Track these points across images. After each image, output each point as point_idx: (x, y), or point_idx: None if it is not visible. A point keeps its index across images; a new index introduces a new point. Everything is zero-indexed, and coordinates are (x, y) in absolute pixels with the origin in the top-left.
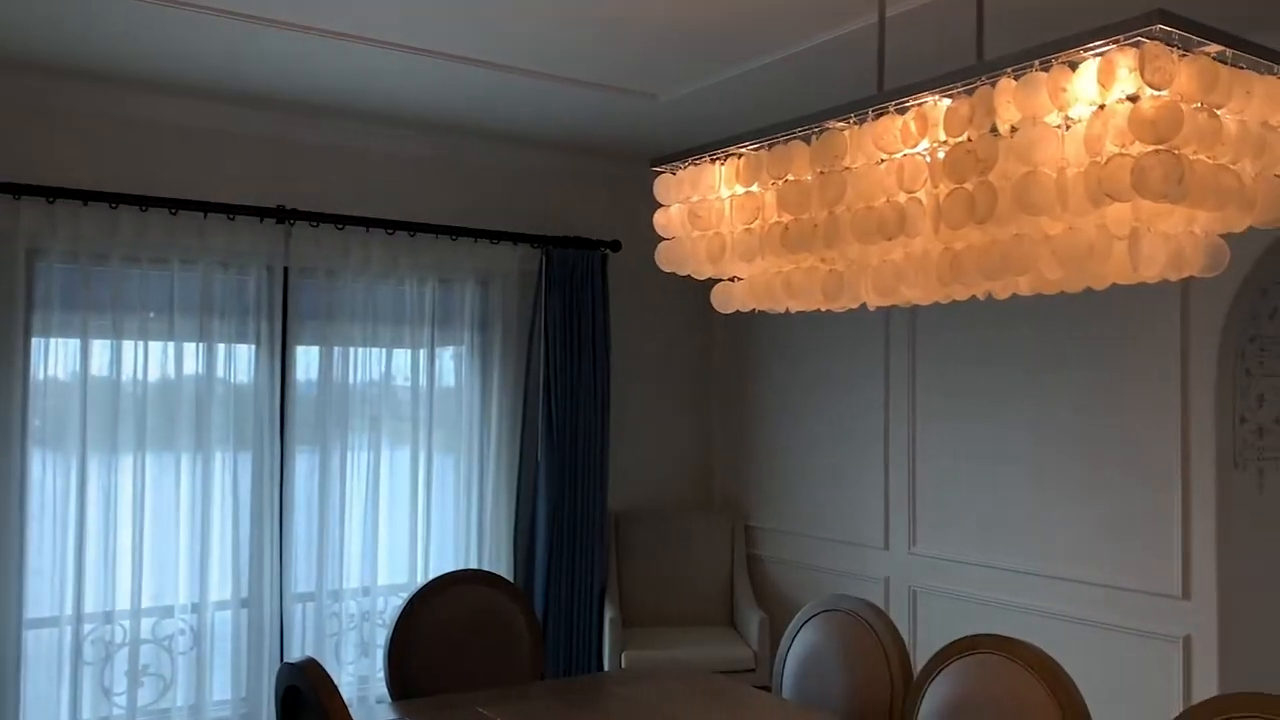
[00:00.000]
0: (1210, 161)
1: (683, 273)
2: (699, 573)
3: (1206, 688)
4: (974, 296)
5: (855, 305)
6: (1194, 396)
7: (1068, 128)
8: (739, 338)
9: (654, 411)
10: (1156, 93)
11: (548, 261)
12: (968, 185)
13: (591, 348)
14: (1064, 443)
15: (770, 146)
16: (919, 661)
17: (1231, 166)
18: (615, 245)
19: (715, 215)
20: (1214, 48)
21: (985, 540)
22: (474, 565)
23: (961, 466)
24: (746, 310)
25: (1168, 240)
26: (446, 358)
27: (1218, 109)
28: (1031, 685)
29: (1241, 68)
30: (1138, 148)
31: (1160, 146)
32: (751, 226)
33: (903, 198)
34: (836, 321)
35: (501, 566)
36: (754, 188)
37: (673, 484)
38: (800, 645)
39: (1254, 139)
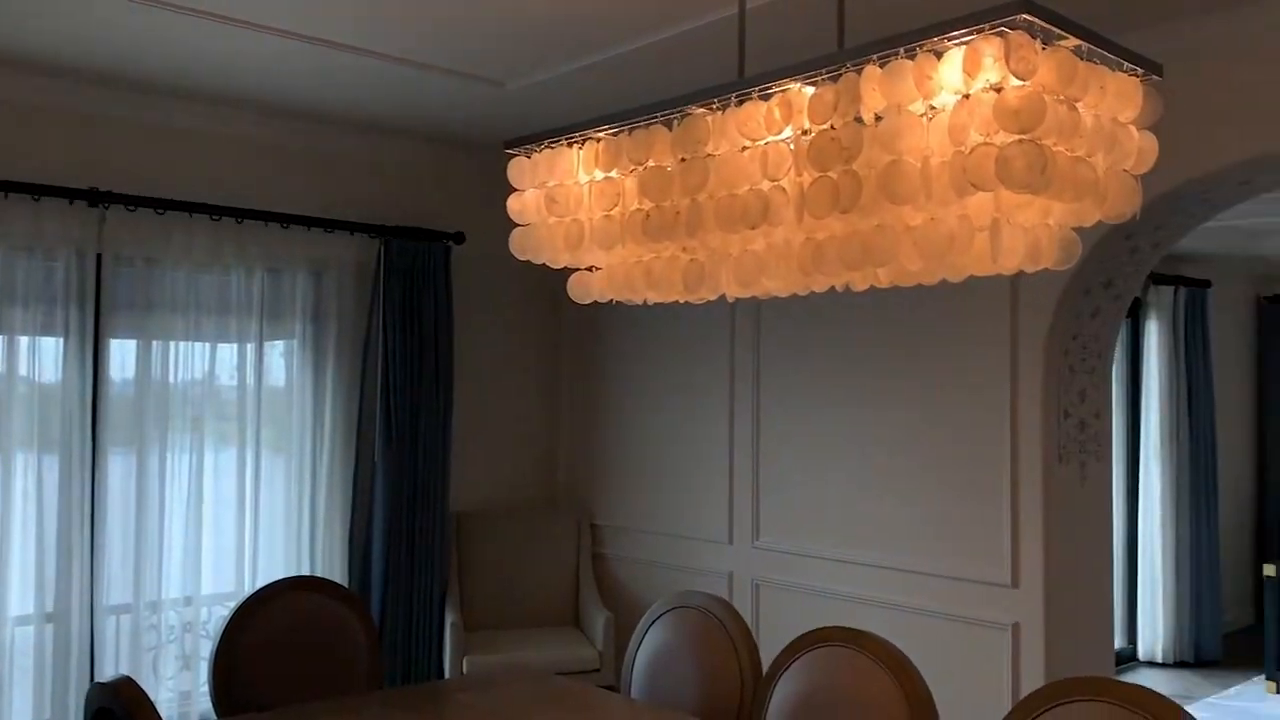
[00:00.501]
0: (1069, 154)
1: (538, 260)
2: (543, 573)
3: (1033, 672)
4: (829, 289)
5: (714, 296)
6: (1023, 393)
7: (930, 117)
8: (586, 334)
9: (499, 409)
10: (1020, 82)
11: (387, 252)
12: (832, 174)
13: (434, 342)
14: (902, 437)
15: (630, 131)
16: (764, 655)
17: (1088, 160)
18: (459, 237)
19: (573, 201)
20: (1072, 42)
21: (826, 533)
22: (306, 571)
23: (804, 461)
24: (604, 301)
25: (1026, 232)
26: (276, 352)
27: (1075, 102)
28: (879, 677)
29: (1095, 63)
30: (1001, 138)
31: (1024, 136)
32: (611, 213)
33: (767, 185)
34: (683, 318)
35: (336, 572)
36: (614, 173)
37: (518, 483)
38: (650, 643)
39: (1106, 133)
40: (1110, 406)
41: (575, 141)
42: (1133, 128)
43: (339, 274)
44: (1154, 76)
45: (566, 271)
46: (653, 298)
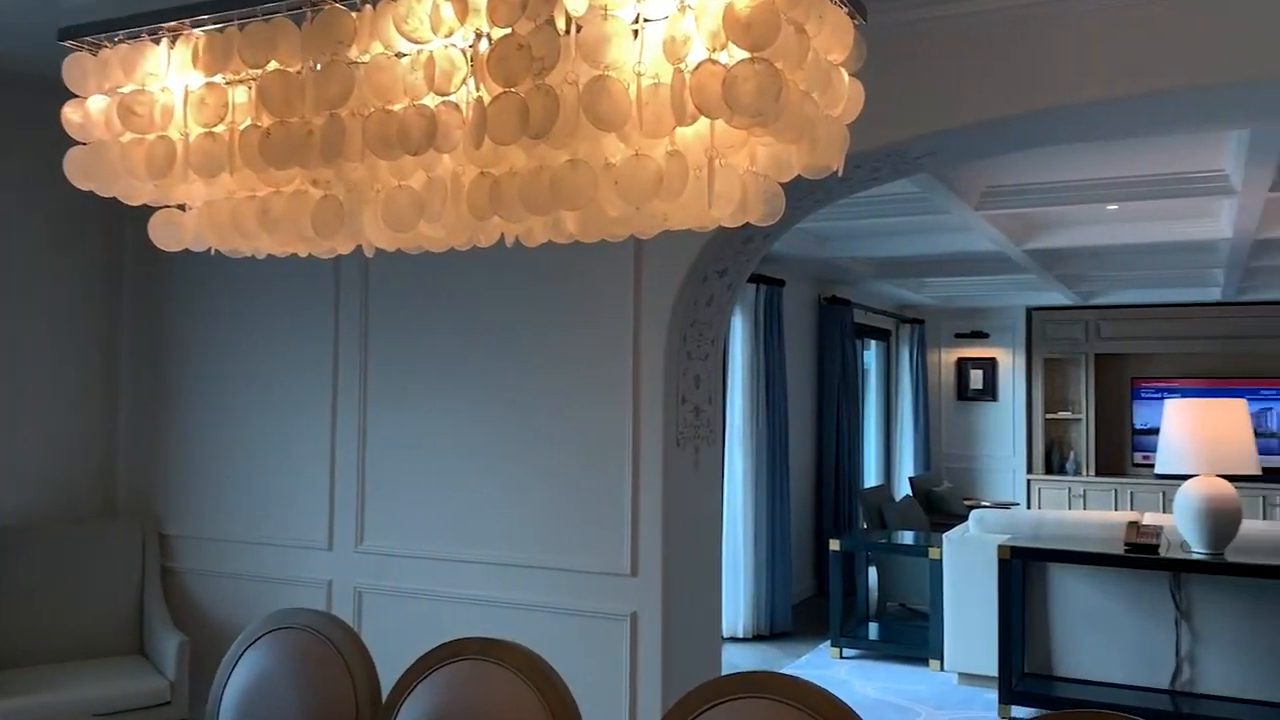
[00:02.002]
0: (796, 85)
1: (107, 192)
2: (99, 594)
3: (650, 660)
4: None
5: (352, 247)
6: (645, 379)
7: (641, 28)
8: (152, 307)
9: (38, 400)
10: None
11: None
12: (520, 90)
13: None
14: (522, 428)
15: (243, 25)
16: (382, 671)
17: (812, 96)
18: None
19: (161, 113)
20: None
21: (441, 532)
22: None
23: (416, 456)
24: (201, 250)
25: (739, 178)
26: None
27: (802, 27)
28: (520, 689)
29: None
30: (727, 57)
31: (756, 55)
32: (215, 130)
33: (434, 102)
34: (277, 289)
35: None
36: (220, 78)
37: (64, 487)
38: (245, 671)
39: (822, 71)
40: (720, 392)
41: (162, 34)
42: (843, 70)
43: None
44: (860, 20)
45: (130, 223)
46: (269, 247)
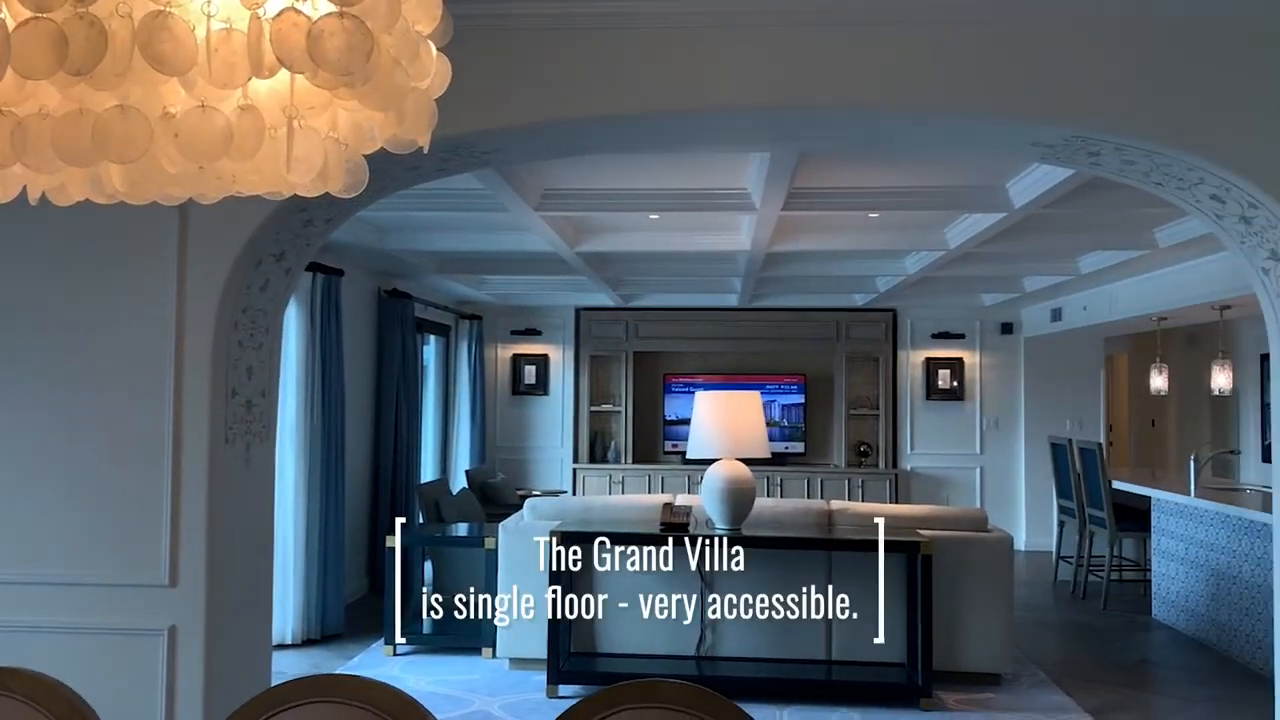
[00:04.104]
0: (386, 49)
1: None
2: None
3: (191, 676)
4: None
5: None
6: (189, 370)
7: None
8: None
9: None
10: None
11: None
12: (56, 17)
13: None
14: (34, 421)
15: None
16: None
17: (402, 64)
18: None
19: None
20: None
21: None
22: None
23: None
24: None
25: (322, 142)
26: None
27: None
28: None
29: None
30: (311, 9)
31: (345, 9)
32: None
33: None
34: None
35: None
36: None
37: None
38: None
39: (411, 40)
40: (276, 385)
41: None
42: (431, 44)
43: None
44: None
45: None
46: None
